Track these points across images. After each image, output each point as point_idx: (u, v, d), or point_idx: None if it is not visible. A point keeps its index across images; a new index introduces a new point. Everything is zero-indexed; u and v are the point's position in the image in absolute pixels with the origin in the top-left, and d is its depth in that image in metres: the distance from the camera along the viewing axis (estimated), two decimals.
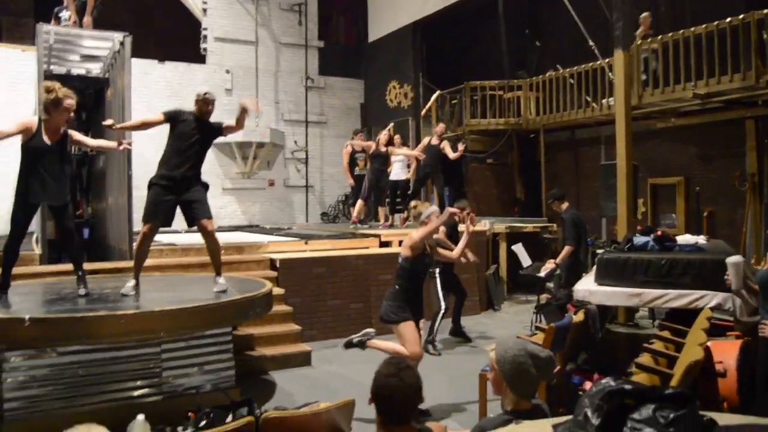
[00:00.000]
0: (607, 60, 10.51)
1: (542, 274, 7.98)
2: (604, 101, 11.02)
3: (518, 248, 8.94)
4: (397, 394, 2.45)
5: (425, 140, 11.09)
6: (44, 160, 5.23)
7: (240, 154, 14.01)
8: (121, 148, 5.73)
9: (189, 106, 5.86)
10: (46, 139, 5.24)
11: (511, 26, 13.74)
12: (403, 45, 14.79)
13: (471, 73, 13.68)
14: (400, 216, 11.78)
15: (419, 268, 5.29)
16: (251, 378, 6.37)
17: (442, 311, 7.75)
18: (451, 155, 10.74)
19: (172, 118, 5.58)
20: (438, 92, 13.96)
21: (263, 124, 14.41)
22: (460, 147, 10.81)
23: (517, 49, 14.03)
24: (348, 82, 16.28)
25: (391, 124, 14.48)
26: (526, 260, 8.83)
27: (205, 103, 5.65)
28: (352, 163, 11.22)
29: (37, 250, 7.78)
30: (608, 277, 6.10)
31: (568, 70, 11.92)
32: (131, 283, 5.59)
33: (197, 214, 5.51)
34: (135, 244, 5.77)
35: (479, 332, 8.62)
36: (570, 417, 2.34)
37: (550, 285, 8.10)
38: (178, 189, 5.47)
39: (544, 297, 8.09)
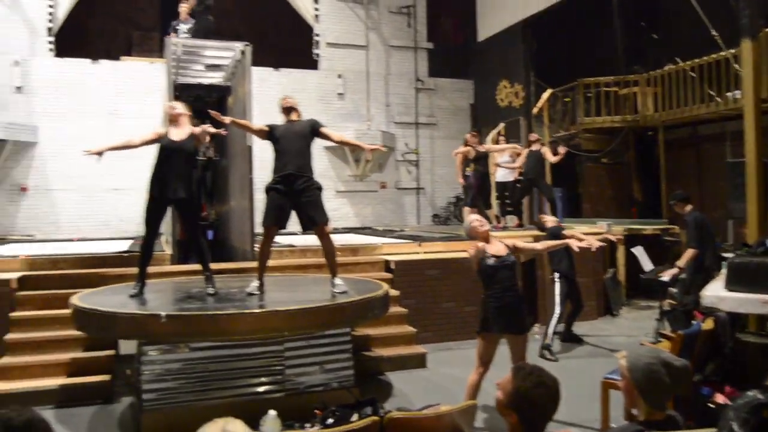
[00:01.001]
0: (732, 50, 9.92)
1: (666, 278, 7.65)
2: (729, 95, 10.42)
3: (638, 251, 8.60)
4: (542, 402, 2.43)
5: (524, 152, 10.91)
6: (167, 158, 5.70)
7: (352, 157, 14.29)
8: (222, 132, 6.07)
9: (303, 109, 6.15)
10: (172, 137, 5.74)
11: (626, 19, 13.23)
12: (513, 43, 14.59)
13: (584, 69, 13.28)
14: (511, 217, 11.63)
15: (489, 273, 5.15)
16: (368, 378, 6.47)
17: (557, 315, 7.62)
18: (552, 159, 10.56)
19: (271, 129, 5.83)
20: (549, 90, 13.66)
21: (374, 127, 14.66)
22: (561, 150, 10.57)
23: (632, 42, 13.49)
24: (457, 82, 16.25)
25: (502, 125, 14.33)
26: (647, 264, 8.48)
27: (281, 109, 5.96)
28: (466, 163, 11.19)
29: (168, 251, 8.26)
30: (739, 283, 5.74)
31: (688, 62, 11.35)
32: (256, 283, 5.85)
33: (313, 218, 5.69)
34: (258, 247, 6.02)
35: (597, 338, 8.39)
36: (709, 430, 2.26)
37: (674, 290, 7.75)
38: (293, 192, 5.65)
39: (667, 303, 7.74)
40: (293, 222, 5.87)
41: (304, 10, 14.88)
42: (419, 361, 7.09)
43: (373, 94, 15.10)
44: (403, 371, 6.89)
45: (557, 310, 7.63)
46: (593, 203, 13.08)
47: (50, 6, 13.04)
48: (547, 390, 2.44)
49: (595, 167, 13.25)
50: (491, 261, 5.11)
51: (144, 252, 5.96)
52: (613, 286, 10.15)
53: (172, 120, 5.89)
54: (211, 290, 5.86)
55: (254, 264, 7.81)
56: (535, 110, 13.79)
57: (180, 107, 5.96)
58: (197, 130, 5.88)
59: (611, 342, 8.15)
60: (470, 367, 5.46)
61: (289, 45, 15.24)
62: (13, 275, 7.03)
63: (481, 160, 10.52)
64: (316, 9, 14.89)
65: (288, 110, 5.92)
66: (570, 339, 8.09)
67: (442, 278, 8.29)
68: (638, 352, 2.74)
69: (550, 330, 7.55)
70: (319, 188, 5.82)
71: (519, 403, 2.44)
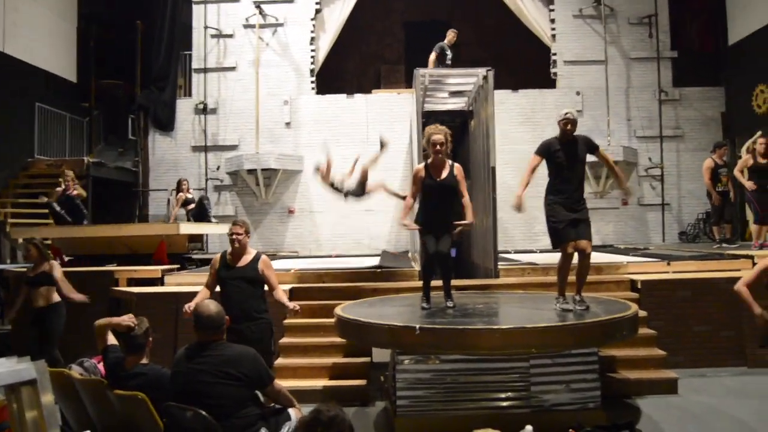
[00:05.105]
0: None
1: None
2: None
3: None
4: None
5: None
6: (432, 195, 5.98)
7: (592, 174, 13.96)
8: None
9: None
10: (434, 176, 5.98)
11: None
12: None
13: None
14: None
15: None
16: (614, 401, 6.28)
17: None
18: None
19: (544, 153, 5.99)
20: None
21: (615, 143, 14.23)
22: None
23: None
24: (706, 91, 15.14)
25: (759, 133, 13.08)
26: None
27: (564, 124, 5.94)
28: (715, 178, 10.43)
29: (416, 267, 8.83)
30: None
31: None
32: (560, 299, 6.00)
33: (581, 235, 5.82)
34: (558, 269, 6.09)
35: None
36: None
37: None
38: (572, 208, 5.85)
39: None
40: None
41: (541, 32, 14.99)
42: (670, 387, 6.75)
43: (613, 108, 14.65)
44: (652, 396, 6.61)
45: None
46: None
47: (312, 51, 14.87)
48: None
49: None
50: None
51: (425, 273, 6.36)
52: None
53: (436, 156, 5.99)
54: (450, 303, 6.14)
55: (497, 281, 8.13)
56: None
57: (442, 137, 5.96)
58: (458, 167, 6.08)
59: None
60: (727, 398, 5.14)
61: (527, 66, 15.43)
62: (287, 287, 7.90)
63: (759, 172, 9.72)
64: (553, 29, 14.94)
65: (567, 127, 5.96)
66: None
67: (695, 300, 7.81)
68: None
69: None
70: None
71: None
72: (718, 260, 8.95)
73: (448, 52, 10.33)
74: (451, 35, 10.65)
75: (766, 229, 9.77)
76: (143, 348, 4.42)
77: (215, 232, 13.02)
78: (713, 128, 14.96)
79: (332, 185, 8.75)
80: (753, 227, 9.94)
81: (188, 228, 11.30)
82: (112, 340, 4.60)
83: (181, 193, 12.56)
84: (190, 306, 5.25)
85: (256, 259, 5.78)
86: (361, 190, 8.68)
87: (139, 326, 4.46)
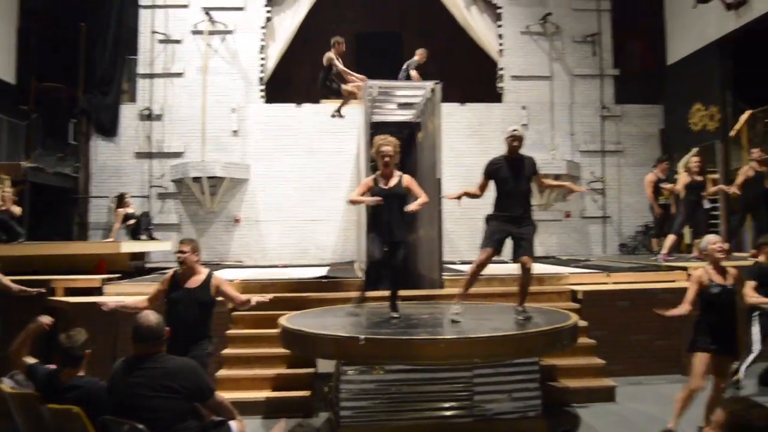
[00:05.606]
0: None
1: None
2: None
3: None
4: (762, 425, 2.37)
5: (744, 171, 10.22)
6: (384, 204, 5.96)
7: (537, 188, 14.25)
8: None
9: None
10: (382, 185, 6.05)
11: None
12: (707, 63, 13.79)
13: None
14: None
15: (709, 300, 5.34)
16: (554, 409, 6.43)
17: (754, 354, 7.06)
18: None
19: (489, 174, 6.12)
20: (748, 112, 12.70)
21: (559, 157, 14.54)
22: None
23: None
24: (646, 108, 15.63)
25: (695, 150, 13.58)
26: None
27: (511, 140, 6.08)
28: (657, 192, 10.77)
29: (363, 277, 8.81)
30: None
31: None
32: (457, 307, 6.08)
33: (522, 251, 5.93)
34: (470, 267, 6.25)
35: None
36: None
37: None
38: (513, 224, 5.96)
39: None
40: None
41: (488, 46, 15.21)
42: (608, 395, 6.95)
43: (557, 123, 15.00)
44: (591, 404, 6.78)
45: (755, 348, 7.07)
46: None
47: (262, 59, 14.72)
48: (763, 411, 2.40)
49: None
50: (715, 290, 5.31)
51: (367, 281, 6.51)
52: None
53: (385, 168, 6.09)
54: (396, 314, 6.19)
55: (442, 292, 8.17)
56: (732, 133, 12.91)
57: (390, 149, 6.07)
58: (407, 176, 6.15)
59: None
60: (662, 405, 5.31)
61: (474, 80, 15.62)
62: None
63: (696, 189, 10.07)
64: (501, 44, 15.15)
65: (514, 143, 6.08)
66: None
67: (633, 310, 8.04)
68: None
69: (743, 367, 7.01)
70: (535, 226, 6.14)
71: (736, 428, 2.42)
72: (656, 272, 9.24)
73: (413, 72, 10.51)
74: (419, 55, 10.72)
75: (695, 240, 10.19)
76: (80, 360, 4.28)
77: (157, 249, 12.82)
78: (652, 144, 15.46)
79: (332, 64, 9.60)
80: (670, 237, 10.20)
81: (129, 246, 11.16)
82: (29, 360, 4.45)
83: (120, 209, 12.27)
84: (108, 305, 5.48)
85: (208, 279, 5.46)
86: (330, 85, 9.78)
87: (77, 338, 4.32)
